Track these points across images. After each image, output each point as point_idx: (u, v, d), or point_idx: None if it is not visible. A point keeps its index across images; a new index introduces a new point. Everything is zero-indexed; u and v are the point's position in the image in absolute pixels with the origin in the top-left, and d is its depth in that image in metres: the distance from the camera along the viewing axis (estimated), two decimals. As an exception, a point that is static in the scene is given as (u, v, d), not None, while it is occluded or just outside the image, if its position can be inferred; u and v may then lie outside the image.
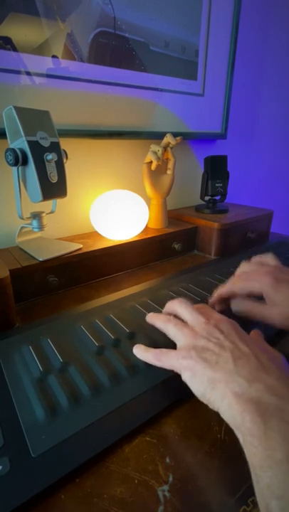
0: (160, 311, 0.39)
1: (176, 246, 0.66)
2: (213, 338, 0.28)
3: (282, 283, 0.34)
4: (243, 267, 0.40)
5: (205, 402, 0.25)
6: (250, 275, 0.37)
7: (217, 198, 0.75)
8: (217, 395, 0.24)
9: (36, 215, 0.50)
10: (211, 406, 0.24)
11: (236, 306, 0.37)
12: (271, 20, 0.93)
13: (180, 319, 0.32)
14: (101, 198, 0.58)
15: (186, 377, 0.27)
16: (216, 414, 0.27)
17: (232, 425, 0.22)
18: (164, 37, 0.66)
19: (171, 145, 0.62)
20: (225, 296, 0.38)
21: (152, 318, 0.34)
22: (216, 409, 0.24)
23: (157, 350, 0.30)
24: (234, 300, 0.37)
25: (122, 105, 0.65)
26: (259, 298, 0.35)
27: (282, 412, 0.20)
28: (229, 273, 0.51)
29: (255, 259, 0.41)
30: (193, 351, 0.27)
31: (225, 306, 0.39)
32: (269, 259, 0.40)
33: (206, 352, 0.27)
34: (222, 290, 0.38)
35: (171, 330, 0.31)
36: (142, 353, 0.31)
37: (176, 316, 0.33)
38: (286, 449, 0.18)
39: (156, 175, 0.65)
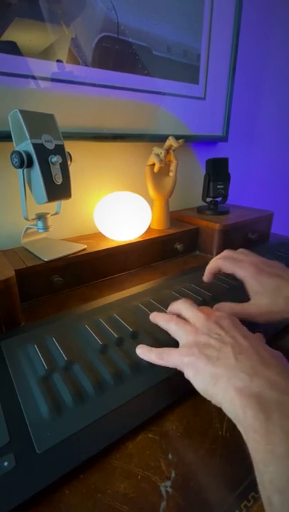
0: (163, 311, 0.40)
1: (179, 246, 0.66)
2: (214, 334, 0.28)
3: (263, 274, 0.36)
4: (230, 251, 0.43)
5: (208, 397, 0.25)
6: (238, 261, 0.39)
7: (218, 199, 0.75)
8: (219, 390, 0.24)
9: (41, 216, 0.51)
10: (214, 401, 0.25)
11: (219, 309, 0.37)
12: (272, 24, 0.93)
13: (183, 319, 0.32)
14: (105, 200, 0.59)
15: (189, 374, 0.27)
16: (218, 412, 0.27)
17: (234, 420, 0.22)
18: (167, 41, 0.67)
19: (173, 147, 0.63)
20: (213, 270, 0.42)
21: (155, 317, 0.35)
22: (218, 404, 0.24)
23: (160, 350, 0.30)
24: (217, 304, 0.38)
25: (125, 108, 0.65)
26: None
27: (283, 406, 0.20)
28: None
29: (241, 250, 0.44)
30: (195, 348, 0.27)
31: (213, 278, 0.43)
32: (255, 255, 0.42)
33: (207, 348, 0.27)
34: (210, 266, 0.43)
35: (173, 328, 0.32)
36: (145, 353, 0.32)
37: (179, 316, 0.33)
38: (288, 444, 0.18)
39: (158, 177, 0.65)
